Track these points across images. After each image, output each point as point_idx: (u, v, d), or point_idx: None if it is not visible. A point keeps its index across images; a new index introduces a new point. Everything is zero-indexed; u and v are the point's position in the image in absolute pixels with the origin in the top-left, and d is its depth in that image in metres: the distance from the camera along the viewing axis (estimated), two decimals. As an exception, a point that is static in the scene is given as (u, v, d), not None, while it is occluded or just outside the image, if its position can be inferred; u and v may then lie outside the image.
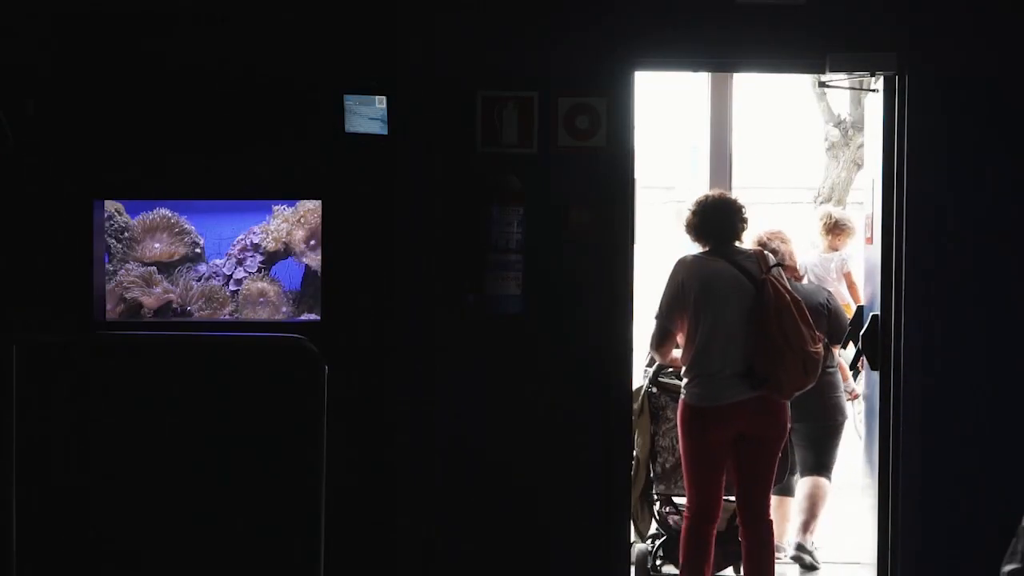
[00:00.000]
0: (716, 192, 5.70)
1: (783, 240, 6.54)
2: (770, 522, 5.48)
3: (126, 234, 5.68)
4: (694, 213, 5.53)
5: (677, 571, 5.65)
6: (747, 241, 5.85)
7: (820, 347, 5.38)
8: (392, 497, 5.45)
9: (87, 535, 5.30)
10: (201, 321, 5.64)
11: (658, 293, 5.55)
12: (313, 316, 5.61)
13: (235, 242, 5.71)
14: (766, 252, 5.56)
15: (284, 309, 5.73)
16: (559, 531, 5.56)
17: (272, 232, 5.69)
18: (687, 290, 5.36)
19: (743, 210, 5.52)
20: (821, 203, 11.00)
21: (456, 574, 5.54)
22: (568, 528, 5.57)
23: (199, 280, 5.71)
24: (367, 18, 5.43)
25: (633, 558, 5.90)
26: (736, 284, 5.33)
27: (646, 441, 6.05)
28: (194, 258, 5.71)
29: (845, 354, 6.76)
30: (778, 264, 5.52)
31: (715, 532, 5.47)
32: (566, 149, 5.51)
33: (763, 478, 5.45)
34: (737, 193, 5.96)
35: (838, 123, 10.87)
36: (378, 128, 5.34)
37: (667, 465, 6.02)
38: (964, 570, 5.54)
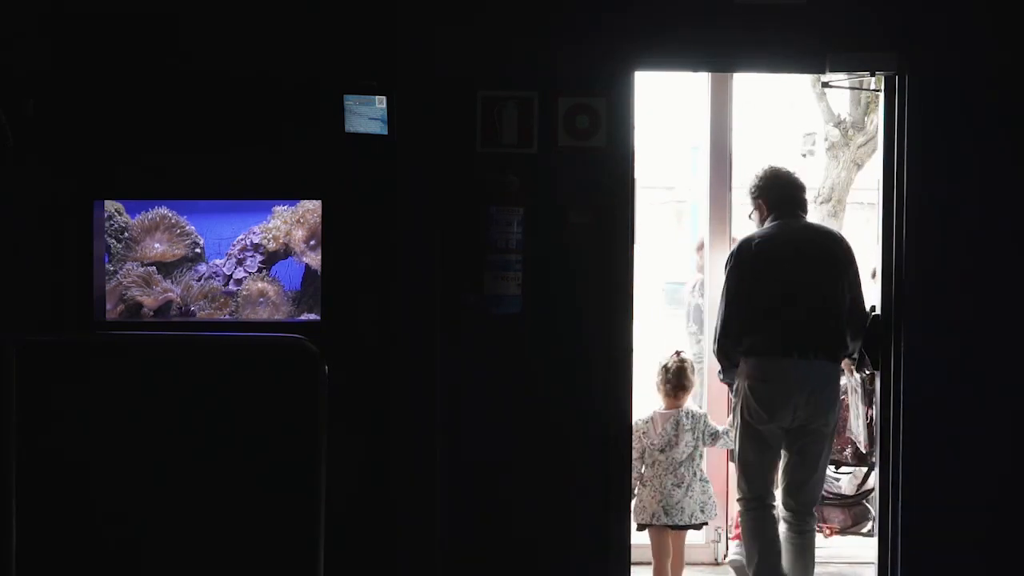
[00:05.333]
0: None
1: None
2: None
3: (126, 234, 5.68)
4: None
5: None
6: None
7: None
8: (392, 497, 5.44)
9: (87, 535, 5.30)
10: (201, 321, 5.64)
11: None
12: (313, 316, 5.61)
13: (235, 242, 5.71)
14: None
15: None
16: (560, 531, 5.56)
17: (272, 232, 5.69)
18: None
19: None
20: (821, 203, 10.99)
21: (457, 574, 5.54)
22: (569, 528, 5.57)
23: (199, 280, 5.71)
24: (367, 18, 5.43)
25: None
26: None
27: None
28: (194, 258, 5.71)
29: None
30: None
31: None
32: (566, 149, 5.51)
33: None
34: (737, 193, 5.99)
35: (838, 123, 10.85)
36: (378, 128, 5.34)
37: None
38: (964, 570, 5.55)
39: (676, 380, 6.10)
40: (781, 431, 5.54)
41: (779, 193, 5.74)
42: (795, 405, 5.46)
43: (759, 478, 5.60)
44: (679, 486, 5.95)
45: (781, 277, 5.53)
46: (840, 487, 7.07)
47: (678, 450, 5.96)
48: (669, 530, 6.01)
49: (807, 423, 5.50)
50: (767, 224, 5.72)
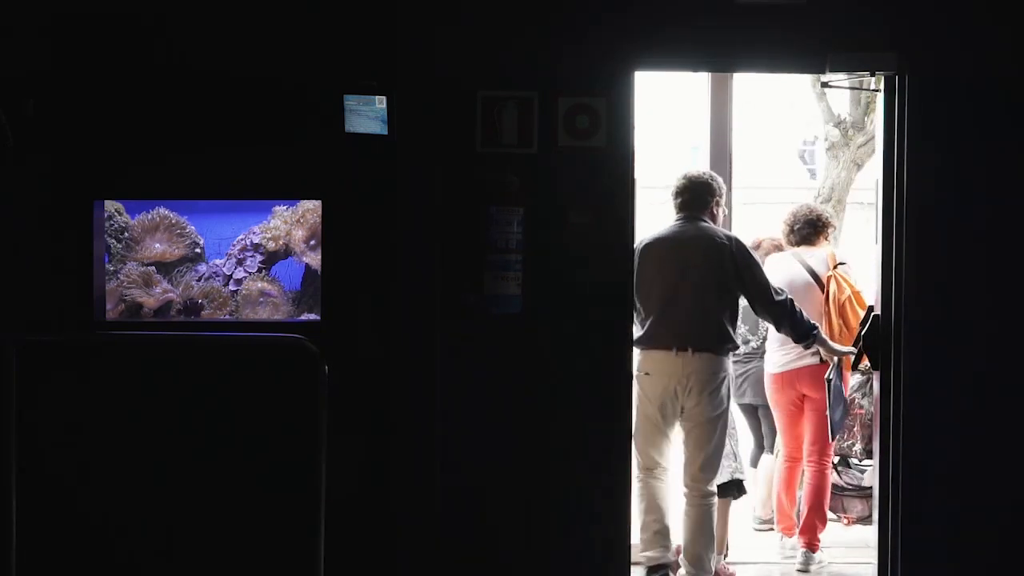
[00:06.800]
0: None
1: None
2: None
3: (126, 234, 5.69)
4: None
5: None
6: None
7: None
8: (392, 497, 5.44)
9: (86, 536, 5.30)
10: (201, 321, 5.64)
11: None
12: (313, 316, 5.61)
13: (235, 242, 5.71)
14: None
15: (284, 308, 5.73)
16: (560, 532, 5.56)
17: (272, 232, 5.69)
18: None
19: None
20: (821, 203, 11.01)
21: (457, 574, 5.54)
22: (569, 528, 5.57)
23: (199, 280, 5.71)
24: (367, 18, 5.43)
25: None
26: None
27: None
28: (194, 258, 5.71)
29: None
30: None
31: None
32: (566, 149, 5.51)
33: None
34: (737, 193, 6.00)
35: (838, 123, 10.86)
36: (378, 128, 5.34)
37: None
38: (964, 570, 5.55)
39: None
40: (667, 417, 6.05)
41: (686, 196, 6.12)
42: (673, 394, 5.99)
43: (643, 453, 6.10)
44: None
45: (661, 277, 5.98)
46: (862, 479, 7.24)
47: None
48: None
49: (690, 411, 6.01)
50: (668, 226, 6.10)
